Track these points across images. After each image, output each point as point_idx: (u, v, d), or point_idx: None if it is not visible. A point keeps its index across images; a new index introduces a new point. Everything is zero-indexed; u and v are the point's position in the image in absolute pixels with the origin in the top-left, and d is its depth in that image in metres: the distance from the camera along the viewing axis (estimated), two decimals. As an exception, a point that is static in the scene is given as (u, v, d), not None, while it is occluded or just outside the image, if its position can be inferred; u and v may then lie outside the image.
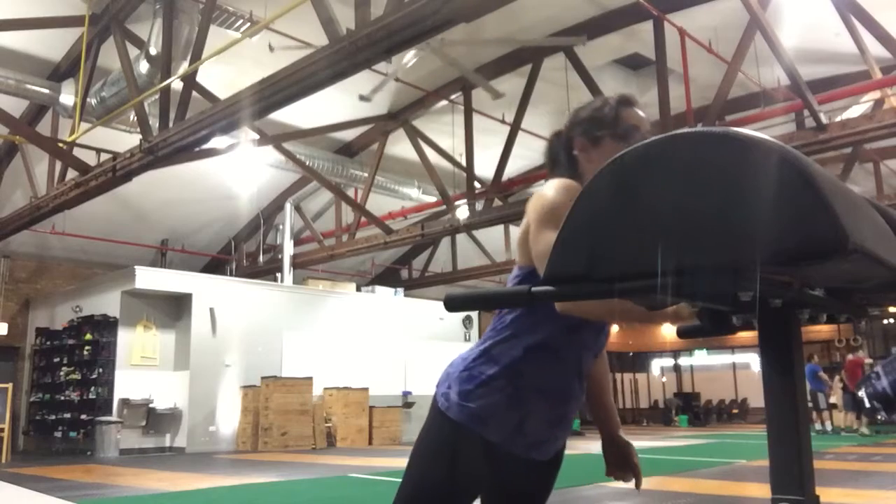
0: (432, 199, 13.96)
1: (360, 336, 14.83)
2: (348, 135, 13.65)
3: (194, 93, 8.08)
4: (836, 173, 11.22)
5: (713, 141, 0.90)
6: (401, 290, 16.67)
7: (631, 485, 1.84)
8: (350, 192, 13.67)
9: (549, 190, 1.58)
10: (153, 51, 8.80)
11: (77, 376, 12.91)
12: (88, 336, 12.90)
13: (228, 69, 9.37)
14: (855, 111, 9.43)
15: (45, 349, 13.99)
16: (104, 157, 9.13)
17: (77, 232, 13.39)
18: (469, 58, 11.05)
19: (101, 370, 12.50)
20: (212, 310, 12.97)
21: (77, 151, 9.49)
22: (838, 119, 8.73)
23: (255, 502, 6.52)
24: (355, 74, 6.48)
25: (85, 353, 12.81)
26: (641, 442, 13.35)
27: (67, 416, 12.85)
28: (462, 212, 11.92)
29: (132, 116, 9.67)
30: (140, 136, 8.59)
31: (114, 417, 12.00)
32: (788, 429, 0.98)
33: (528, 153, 11.99)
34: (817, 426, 14.18)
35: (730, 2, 8.89)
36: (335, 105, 11.71)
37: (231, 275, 15.27)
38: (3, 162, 12.50)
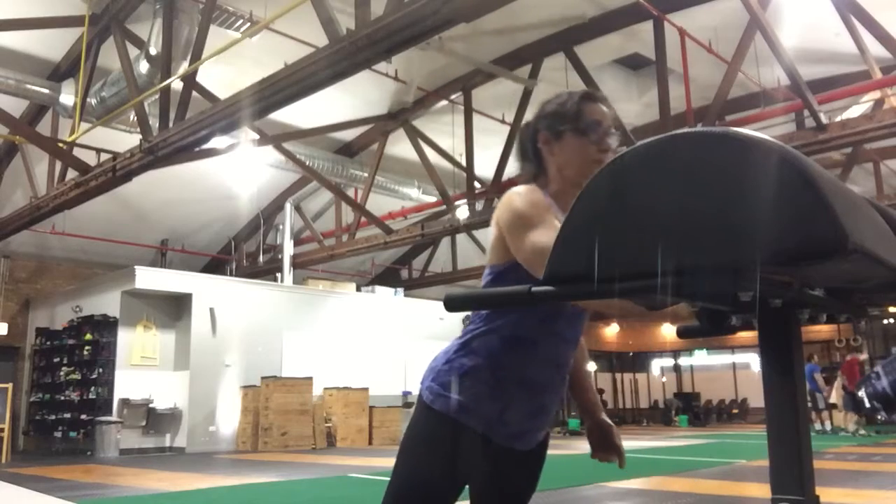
0: (432, 199, 13.96)
1: (360, 336, 14.84)
2: (348, 135, 13.65)
3: (194, 93, 8.08)
4: (836, 173, 11.23)
5: (713, 141, 0.90)
6: (401, 290, 16.68)
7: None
8: (350, 192, 13.67)
9: (515, 198, 1.65)
10: (153, 51, 8.80)
11: (77, 376, 12.91)
12: (88, 336, 12.91)
13: (228, 69, 9.37)
14: (855, 111, 9.43)
15: (45, 349, 13.99)
16: (104, 157, 9.13)
17: (77, 232, 13.40)
18: (468, 58, 11.06)
19: (101, 370, 12.51)
20: (212, 310, 12.98)
21: (77, 151, 9.49)
22: (838, 119, 8.73)
23: (255, 502, 6.52)
24: (355, 74, 6.49)
25: (85, 353, 12.82)
26: (641, 442, 13.35)
27: (67, 416, 12.85)
28: (462, 212, 11.93)
29: (132, 116, 9.67)
30: (140, 136, 8.59)
31: (114, 417, 12.00)
32: (788, 429, 0.98)
33: (528, 153, 11.97)
34: (817, 426, 14.18)
35: (730, 2, 8.89)
36: (335, 105, 11.71)
37: (231, 275, 15.27)
38: (3, 162, 12.50)
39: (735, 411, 22.27)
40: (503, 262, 1.67)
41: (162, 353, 13.02)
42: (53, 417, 13.21)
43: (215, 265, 16.49)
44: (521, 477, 1.79)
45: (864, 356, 15.44)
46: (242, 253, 16.14)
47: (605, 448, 1.90)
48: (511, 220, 1.61)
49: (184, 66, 8.33)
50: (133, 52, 9.12)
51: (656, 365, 25.29)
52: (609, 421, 1.91)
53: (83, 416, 12.42)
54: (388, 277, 18.29)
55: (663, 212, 0.90)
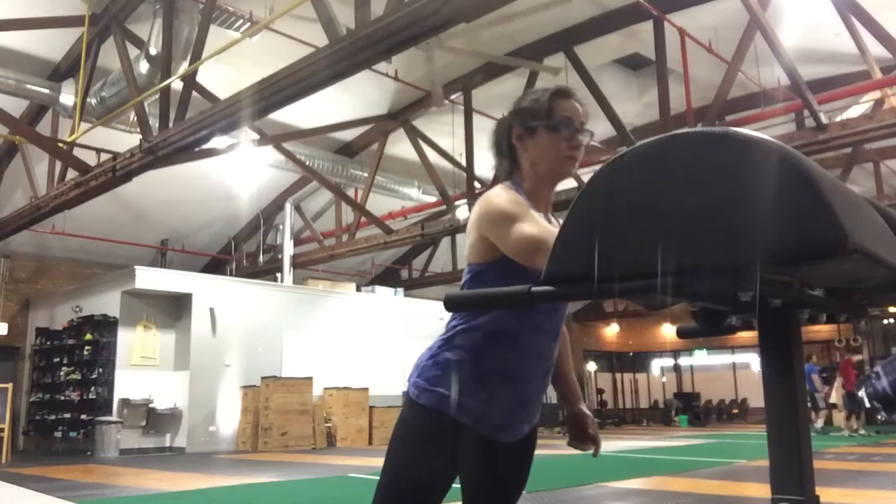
0: (432, 199, 13.96)
1: (360, 336, 14.83)
2: (348, 135, 13.65)
3: (194, 93, 8.08)
4: (836, 174, 11.23)
5: (713, 141, 0.90)
6: (401, 290, 16.68)
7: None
8: (350, 192, 13.67)
9: (494, 198, 1.68)
10: (153, 51, 8.80)
11: (77, 376, 12.91)
12: (88, 336, 12.90)
13: (228, 69, 9.37)
14: (855, 111, 9.43)
15: (45, 349, 13.99)
16: (104, 157, 9.12)
17: (77, 232, 13.39)
18: (467, 58, 11.07)
19: (101, 370, 12.50)
20: (212, 310, 12.98)
21: (77, 151, 9.49)
22: (838, 119, 8.73)
23: (255, 502, 6.52)
24: (355, 74, 6.49)
25: (85, 353, 12.81)
26: (641, 442, 13.36)
27: (67, 416, 12.84)
28: (462, 212, 11.93)
29: (132, 116, 9.66)
30: (140, 136, 8.59)
31: (114, 417, 12.00)
32: (788, 429, 0.99)
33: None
34: (817, 425, 14.17)
35: (730, 2, 8.88)
36: (335, 105, 11.71)
37: (231, 275, 15.27)
38: (3, 162, 12.50)
39: (735, 411, 22.25)
40: (482, 261, 1.72)
41: (162, 353, 13.02)
42: (53, 417, 13.20)
43: (215, 265, 16.49)
44: (507, 469, 1.82)
45: (858, 357, 15.43)
46: (242, 253, 16.14)
47: (581, 437, 1.95)
48: (495, 217, 1.65)
49: (184, 66, 8.32)
50: (133, 52, 9.12)
51: (656, 365, 25.28)
52: (587, 411, 1.96)
53: (83, 416, 12.42)
54: (388, 277, 18.28)
55: (663, 212, 0.90)
